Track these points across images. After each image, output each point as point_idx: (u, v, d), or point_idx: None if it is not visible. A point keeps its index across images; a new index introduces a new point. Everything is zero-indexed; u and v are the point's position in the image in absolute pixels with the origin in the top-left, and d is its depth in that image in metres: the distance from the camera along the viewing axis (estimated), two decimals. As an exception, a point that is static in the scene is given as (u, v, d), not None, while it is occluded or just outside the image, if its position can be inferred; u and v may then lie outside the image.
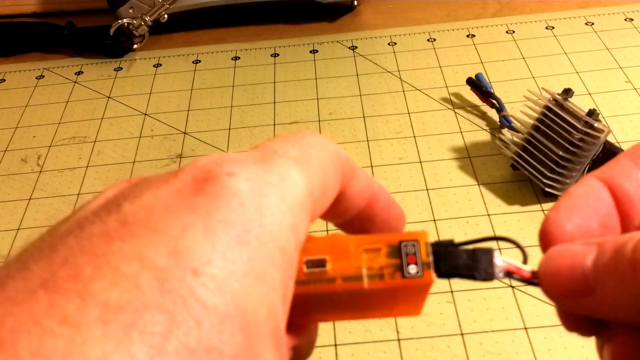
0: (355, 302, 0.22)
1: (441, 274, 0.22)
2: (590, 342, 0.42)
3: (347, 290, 0.21)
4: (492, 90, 0.59)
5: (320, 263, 0.21)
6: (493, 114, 0.59)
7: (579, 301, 0.21)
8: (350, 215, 0.24)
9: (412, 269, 0.21)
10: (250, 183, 0.18)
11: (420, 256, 0.22)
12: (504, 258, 0.23)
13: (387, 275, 0.21)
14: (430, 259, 0.22)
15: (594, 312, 0.22)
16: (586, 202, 0.23)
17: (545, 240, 0.23)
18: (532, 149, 0.51)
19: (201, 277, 0.16)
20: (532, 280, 0.23)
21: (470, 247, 0.23)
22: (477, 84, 0.60)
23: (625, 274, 0.20)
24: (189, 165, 0.19)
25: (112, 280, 0.15)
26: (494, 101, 0.58)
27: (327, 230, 0.51)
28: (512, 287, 0.46)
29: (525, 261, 0.24)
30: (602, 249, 0.21)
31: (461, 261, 0.22)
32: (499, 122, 0.57)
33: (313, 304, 0.22)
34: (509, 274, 0.23)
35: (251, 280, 0.17)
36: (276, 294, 0.17)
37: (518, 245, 0.24)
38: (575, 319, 0.24)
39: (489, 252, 0.23)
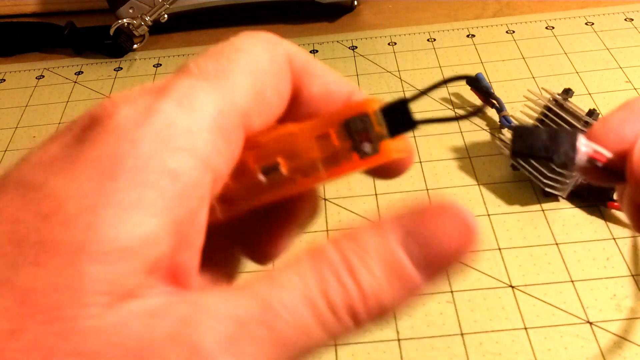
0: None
1: (515, 152, 0.20)
2: (591, 342, 0.42)
3: (309, 184, 0.20)
4: (492, 90, 0.59)
5: (274, 167, 0.20)
6: (493, 114, 0.59)
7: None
8: None
9: (367, 147, 0.20)
10: (132, 117, 0.17)
11: (373, 130, 0.20)
12: (589, 142, 0.21)
13: (342, 160, 0.20)
14: (384, 129, 0.20)
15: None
16: None
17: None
18: (532, 149, 0.51)
19: (52, 218, 0.16)
20: (616, 169, 0.21)
21: (554, 127, 0.21)
22: (477, 84, 0.60)
23: None
24: (83, 114, 0.19)
25: None
26: (494, 101, 0.58)
27: (327, 231, 0.51)
28: (512, 287, 0.46)
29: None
30: None
31: (539, 141, 0.20)
32: (499, 122, 0.57)
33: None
34: (591, 160, 0.21)
35: (116, 211, 0.16)
36: (158, 219, 0.17)
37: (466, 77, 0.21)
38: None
39: (572, 135, 0.20)
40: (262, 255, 0.24)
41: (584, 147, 0.20)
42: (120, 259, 0.16)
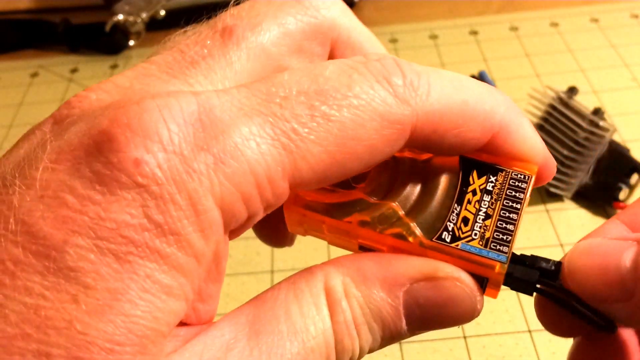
0: None
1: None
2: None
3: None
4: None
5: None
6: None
7: (610, 305, 0.19)
8: (469, 152, 0.21)
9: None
10: (158, 179, 0.15)
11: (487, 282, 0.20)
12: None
13: None
14: (499, 285, 0.20)
15: (627, 319, 0.19)
16: None
17: None
18: (536, 148, 0.50)
19: (81, 303, 0.15)
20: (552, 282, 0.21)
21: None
22: (480, 82, 0.59)
23: None
24: (89, 120, 0.16)
25: None
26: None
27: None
28: (516, 289, 0.45)
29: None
30: None
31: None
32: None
33: None
34: None
35: (145, 298, 0.15)
36: (183, 302, 0.16)
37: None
38: (555, 318, 0.22)
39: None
40: (279, 240, 0.24)
41: None
42: (148, 344, 0.15)
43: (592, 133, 0.48)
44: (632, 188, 0.49)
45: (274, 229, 0.24)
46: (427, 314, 0.19)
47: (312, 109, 0.17)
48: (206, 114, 0.16)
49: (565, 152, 0.48)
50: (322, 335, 0.17)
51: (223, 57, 0.19)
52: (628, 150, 0.50)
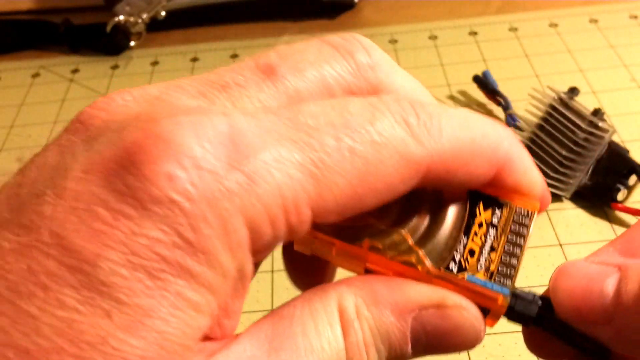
0: None
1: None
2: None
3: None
4: (498, 88, 0.58)
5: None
6: (499, 112, 0.58)
7: (592, 327, 0.20)
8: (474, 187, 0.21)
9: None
10: (192, 201, 0.15)
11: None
12: None
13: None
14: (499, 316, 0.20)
15: (607, 341, 0.20)
16: None
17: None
18: (535, 149, 0.50)
19: (114, 318, 0.15)
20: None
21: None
22: (484, 82, 0.59)
23: None
24: (115, 137, 0.16)
25: None
26: (500, 99, 0.58)
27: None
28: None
29: None
30: (625, 274, 0.19)
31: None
32: (505, 120, 0.56)
33: None
34: None
35: (176, 315, 0.16)
36: (209, 318, 0.16)
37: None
38: (543, 343, 0.22)
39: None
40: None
41: None
42: (177, 359, 0.16)
43: (591, 134, 0.48)
44: (630, 189, 0.49)
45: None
46: (433, 341, 0.19)
47: (339, 141, 0.17)
48: (237, 134, 0.16)
49: (564, 152, 0.49)
50: (337, 355, 0.18)
51: (256, 91, 0.19)
52: (627, 152, 0.50)
